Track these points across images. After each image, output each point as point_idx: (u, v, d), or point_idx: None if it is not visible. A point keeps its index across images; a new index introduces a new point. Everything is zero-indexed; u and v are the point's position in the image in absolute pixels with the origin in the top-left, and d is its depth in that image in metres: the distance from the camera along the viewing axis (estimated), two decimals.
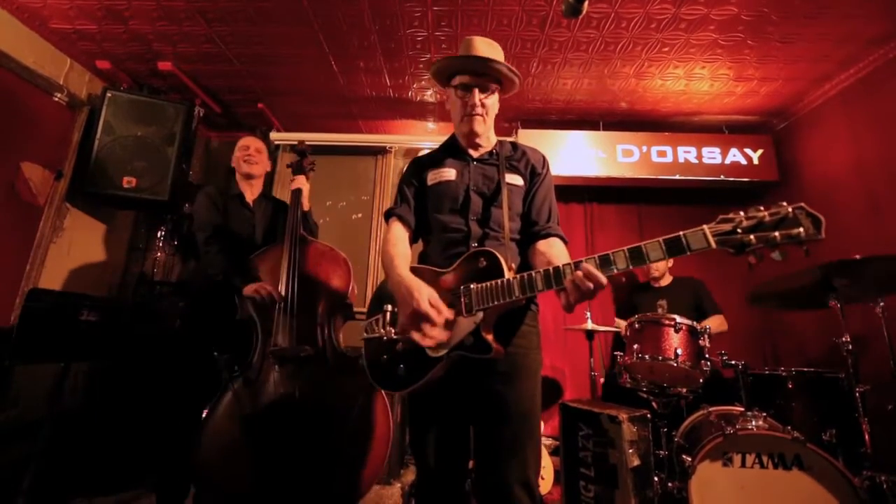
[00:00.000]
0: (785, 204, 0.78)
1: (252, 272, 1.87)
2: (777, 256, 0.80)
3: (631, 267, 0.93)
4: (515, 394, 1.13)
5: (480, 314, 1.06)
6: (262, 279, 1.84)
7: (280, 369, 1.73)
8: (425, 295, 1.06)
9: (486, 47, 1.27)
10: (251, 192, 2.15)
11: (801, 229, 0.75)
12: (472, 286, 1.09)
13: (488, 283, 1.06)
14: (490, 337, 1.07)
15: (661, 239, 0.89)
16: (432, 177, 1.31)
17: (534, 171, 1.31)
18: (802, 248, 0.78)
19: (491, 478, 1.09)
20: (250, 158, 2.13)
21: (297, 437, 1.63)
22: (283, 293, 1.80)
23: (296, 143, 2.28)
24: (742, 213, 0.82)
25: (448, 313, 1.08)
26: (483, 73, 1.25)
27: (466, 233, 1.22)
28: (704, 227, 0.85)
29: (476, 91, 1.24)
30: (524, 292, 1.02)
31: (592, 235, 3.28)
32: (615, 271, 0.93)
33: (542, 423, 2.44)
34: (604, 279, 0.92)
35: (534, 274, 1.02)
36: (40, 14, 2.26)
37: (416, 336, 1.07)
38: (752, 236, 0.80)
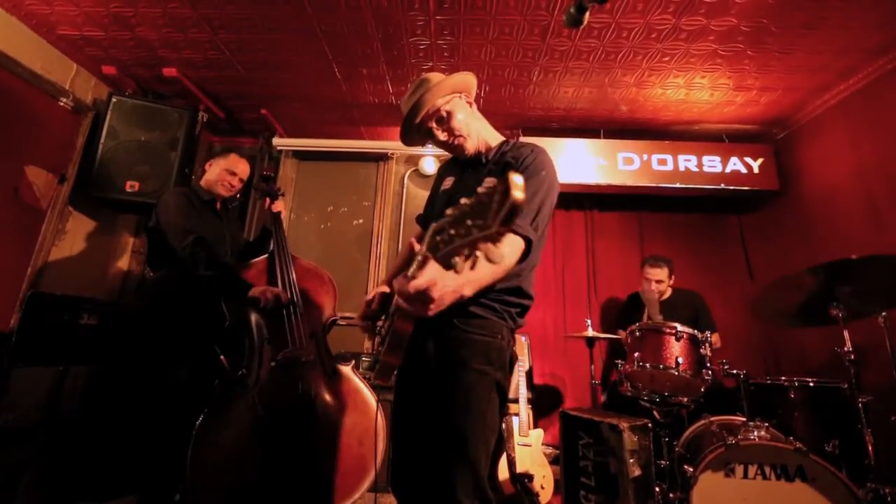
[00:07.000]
0: (493, 180, 0.45)
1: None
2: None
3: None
4: (443, 407, 1.03)
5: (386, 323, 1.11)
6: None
7: (281, 374, 1.74)
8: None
9: (405, 107, 1.24)
10: (220, 201, 2.19)
11: (481, 221, 0.45)
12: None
13: None
14: (389, 345, 1.03)
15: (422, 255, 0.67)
16: (442, 185, 1.37)
17: (507, 167, 1.13)
18: (476, 250, 0.50)
19: (422, 493, 1.04)
20: (233, 189, 2.18)
21: (297, 440, 1.63)
22: (287, 296, 1.86)
23: (298, 148, 2.34)
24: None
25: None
26: (419, 133, 1.25)
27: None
28: (433, 224, 0.61)
29: (431, 133, 1.24)
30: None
31: (593, 243, 3.27)
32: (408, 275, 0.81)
33: (543, 433, 2.47)
34: (410, 288, 0.81)
35: None
36: (48, 20, 2.29)
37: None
38: (440, 238, 0.54)
